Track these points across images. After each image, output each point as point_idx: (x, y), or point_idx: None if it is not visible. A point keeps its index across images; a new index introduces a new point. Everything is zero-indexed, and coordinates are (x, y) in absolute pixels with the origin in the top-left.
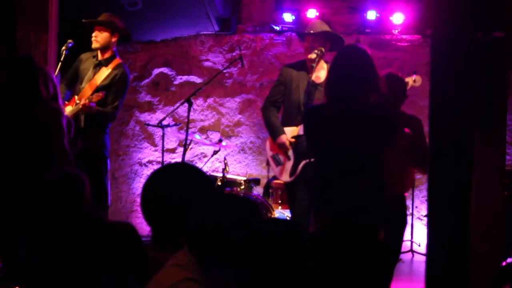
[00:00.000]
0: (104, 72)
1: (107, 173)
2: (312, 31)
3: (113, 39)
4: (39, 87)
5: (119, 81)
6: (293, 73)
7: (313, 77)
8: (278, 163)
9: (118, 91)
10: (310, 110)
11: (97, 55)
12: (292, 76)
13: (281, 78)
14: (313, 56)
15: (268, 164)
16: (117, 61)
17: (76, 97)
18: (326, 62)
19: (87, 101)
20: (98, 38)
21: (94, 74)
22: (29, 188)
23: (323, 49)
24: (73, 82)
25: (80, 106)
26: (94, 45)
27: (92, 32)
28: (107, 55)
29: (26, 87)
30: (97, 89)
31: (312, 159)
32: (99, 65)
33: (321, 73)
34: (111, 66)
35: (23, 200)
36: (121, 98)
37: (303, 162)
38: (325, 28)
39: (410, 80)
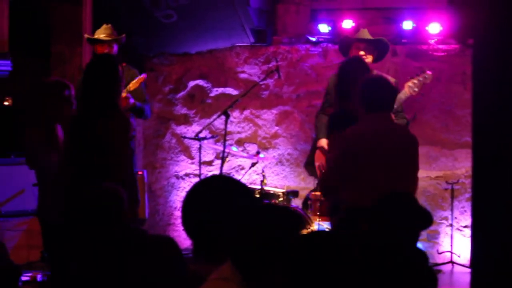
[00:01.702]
0: None
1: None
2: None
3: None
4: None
5: (133, 79)
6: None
7: None
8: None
9: (141, 88)
10: None
11: None
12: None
13: (328, 87)
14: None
15: (315, 174)
16: (122, 64)
17: None
18: (372, 70)
19: (124, 94)
20: (110, 53)
21: None
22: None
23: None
24: None
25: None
26: None
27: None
28: None
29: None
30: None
31: None
32: None
33: None
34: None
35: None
36: (145, 92)
37: None
38: (371, 37)
39: (422, 77)
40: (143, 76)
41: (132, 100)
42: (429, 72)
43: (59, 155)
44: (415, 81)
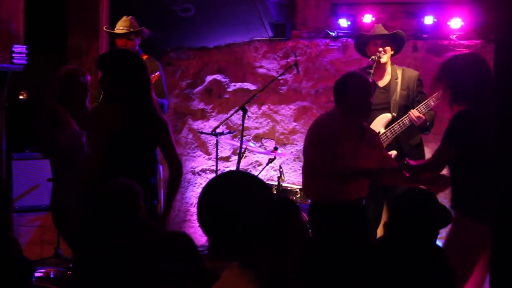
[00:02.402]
0: None
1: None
2: (379, 34)
3: (138, 40)
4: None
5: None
6: None
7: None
8: None
9: (161, 81)
10: None
11: None
12: None
13: None
14: (376, 58)
15: None
16: (143, 56)
17: None
18: (392, 65)
19: None
20: (130, 46)
21: None
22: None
23: (380, 55)
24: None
25: None
26: None
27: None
28: None
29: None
30: None
31: None
32: None
33: (385, 76)
34: None
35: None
36: (165, 86)
37: None
38: (386, 31)
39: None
40: (157, 74)
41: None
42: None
43: (69, 140)
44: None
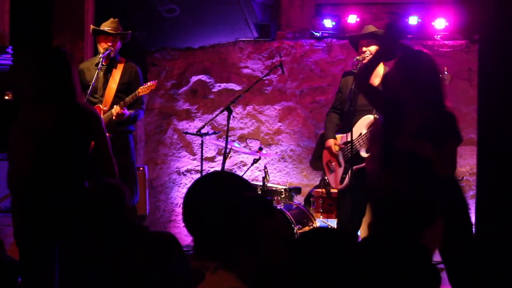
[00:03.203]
0: (117, 73)
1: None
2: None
3: (120, 45)
4: (75, 84)
5: (136, 77)
6: (349, 80)
7: None
8: (330, 170)
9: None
10: None
11: (98, 62)
12: (347, 83)
13: (340, 85)
14: (361, 58)
15: (324, 172)
16: (122, 59)
17: (100, 106)
18: (385, 67)
19: (118, 108)
20: (113, 47)
21: (108, 78)
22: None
23: (365, 55)
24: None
25: (115, 115)
26: (111, 54)
27: (98, 38)
28: (113, 56)
29: (62, 83)
30: (118, 91)
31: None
32: (109, 69)
33: (376, 79)
34: (120, 65)
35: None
36: (144, 97)
37: (350, 170)
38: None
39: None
40: (153, 83)
41: (127, 113)
42: (447, 73)
43: None
44: None
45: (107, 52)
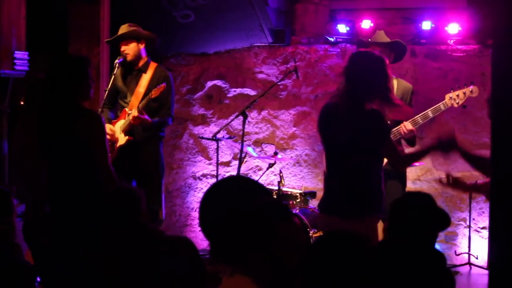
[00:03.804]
0: (146, 78)
1: (162, 183)
2: (379, 41)
3: (141, 46)
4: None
5: (164, 82)
6: None
7: None
8: None
9: (168, 94)
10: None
11: (131, 67)
12: None
13: None
14: None
15: None
16: (153, 64)
17: (126, 109)
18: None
19: (135, 112)
20: (127, 50)
21: (137, 83)
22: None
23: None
24: (115, 103)
25: (131, 119)
26: (128, 58)
27: (120, 48)
28: (142, 63)
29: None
30: (146, 95)
31: None
32: (138, 74)
33: None
34: (150, 71)
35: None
36: (172, 100)
37: None
38: (387, 39)
39: (467, 91)
40: (163, 85)
41: (146, 118)
42: (475, 86)
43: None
44: (459, 93)
45: (122, 59)
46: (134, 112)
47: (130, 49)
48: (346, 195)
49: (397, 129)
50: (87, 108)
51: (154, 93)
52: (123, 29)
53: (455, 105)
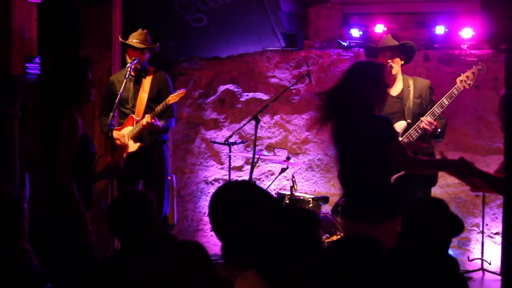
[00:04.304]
0: (147, 82)
1: (167, 186)
2: (388, 45)
3: (148, 56)
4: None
5: (166, 85)
6: None
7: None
8: None
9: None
10: None
11: (128, 72)
12: None
13: None
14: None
15: None
16: (151, 69)
17: (133, 116)
18: (403, 74)
19: (149, 118)
20: (142, 60)
21: (138, 88)
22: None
23: (391, 65)
24: (113, 108)
25: (144, 123)
26: (136, 66)
27: (127, 49)
28: (141, 68)
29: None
30: (149, 100)
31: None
32: (139, 79)
33: (398, 85)
34: (149, 75)
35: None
36: (174, 104)
37: None
38: (395, 42)
39: (475, 69)
40: (183, 91)
41: (158, 124)
42: (482, 64)
43: None
44: (468, 74)
45: (135, 61)
46: (148, 118)
47: (144, 59)
48: (355, 199)
49: (418, 124)
50: (68, 113)
51: (172, 99)
52: (139, 35)
53: (467, 87)
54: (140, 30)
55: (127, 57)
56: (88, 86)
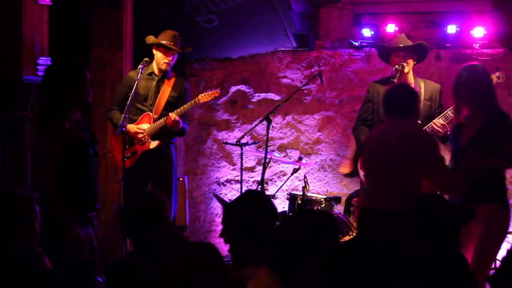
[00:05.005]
0: (168, 85)
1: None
2: (401, 45)
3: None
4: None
5: (185, 93)
6: (380, 89)
7: None
8: None
9: (187, 99)
10: None
11: (151, 72)
12: (379, 92)
13: (368, 95)
14: (400, 67)
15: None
16: (172, 74)
17: (150, 114)
18: (414, 75)
19: (174, 115)
20: (171, 62)
21: (160, 89)
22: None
23: (404, 64)
24: (124, 106)
25: (172, 119)
26: (165, 67)
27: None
28: (169, 69)
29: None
30: (168, 102)
31: None
32: (161, 79)
33: None
34: (171, 79)
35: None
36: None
37: None
38: (409, 42)
39: (493, 77)
40: (217, 90)
41: (181, 123)
42: (500, 72)
43: None
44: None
45: (144, 65)
46: (173, 115)
47: (173, 62)
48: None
49: (428, 126)
50: (56, 119)
51: (203, 98)
52: (173, 38)
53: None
54: (172, 32)
55: (156, 56)
56: (86, 86)
